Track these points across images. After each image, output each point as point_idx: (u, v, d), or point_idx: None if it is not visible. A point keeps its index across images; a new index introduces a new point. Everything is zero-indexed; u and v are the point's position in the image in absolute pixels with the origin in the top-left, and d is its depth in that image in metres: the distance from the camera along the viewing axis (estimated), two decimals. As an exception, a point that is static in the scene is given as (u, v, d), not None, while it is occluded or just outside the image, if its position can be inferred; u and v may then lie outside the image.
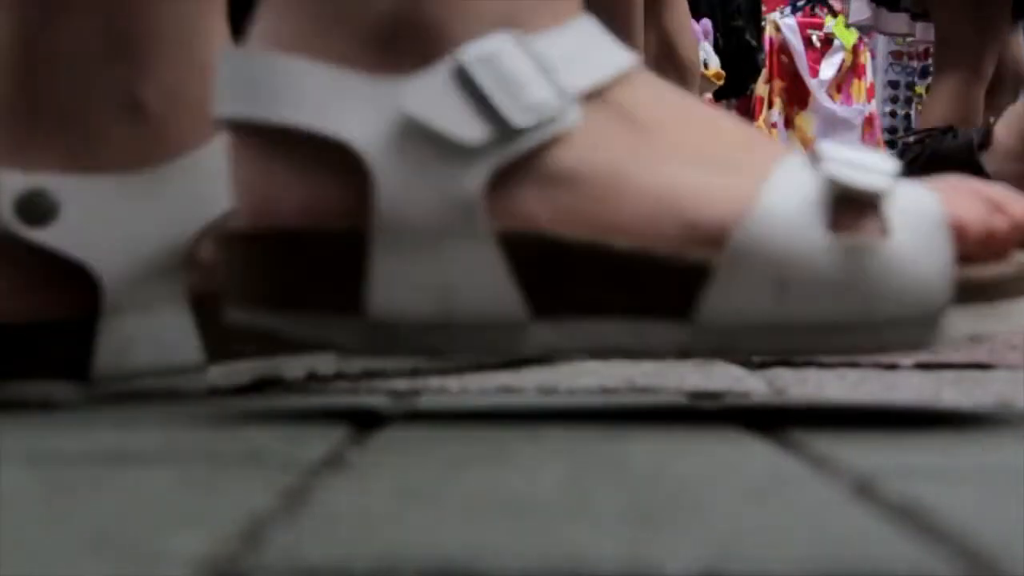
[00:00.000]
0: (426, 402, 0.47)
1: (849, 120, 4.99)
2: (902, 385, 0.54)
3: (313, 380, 0.52)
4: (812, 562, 0.22)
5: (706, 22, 4.13)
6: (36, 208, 0.47)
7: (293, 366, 0.51)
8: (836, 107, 4.98)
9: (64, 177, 0.47)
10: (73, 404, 0.47)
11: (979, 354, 0.71)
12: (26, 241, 0.47)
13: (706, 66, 4.10)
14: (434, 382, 0.52)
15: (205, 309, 0.48)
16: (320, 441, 0.36)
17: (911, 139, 1.38)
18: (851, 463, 0.33)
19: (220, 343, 0.49)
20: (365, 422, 0.39)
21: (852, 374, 0.59)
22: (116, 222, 0.47)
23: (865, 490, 0.29)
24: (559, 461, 0.34)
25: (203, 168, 0.48)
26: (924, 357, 0.66)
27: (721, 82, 3.95)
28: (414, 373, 0.53)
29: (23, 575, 0.21)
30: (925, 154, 1.34)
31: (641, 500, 0.28)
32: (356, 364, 0.52)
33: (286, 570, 0.21)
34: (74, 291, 0.47)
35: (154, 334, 0.48)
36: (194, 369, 0.49)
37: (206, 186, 0.48)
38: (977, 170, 1.31)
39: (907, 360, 0.65)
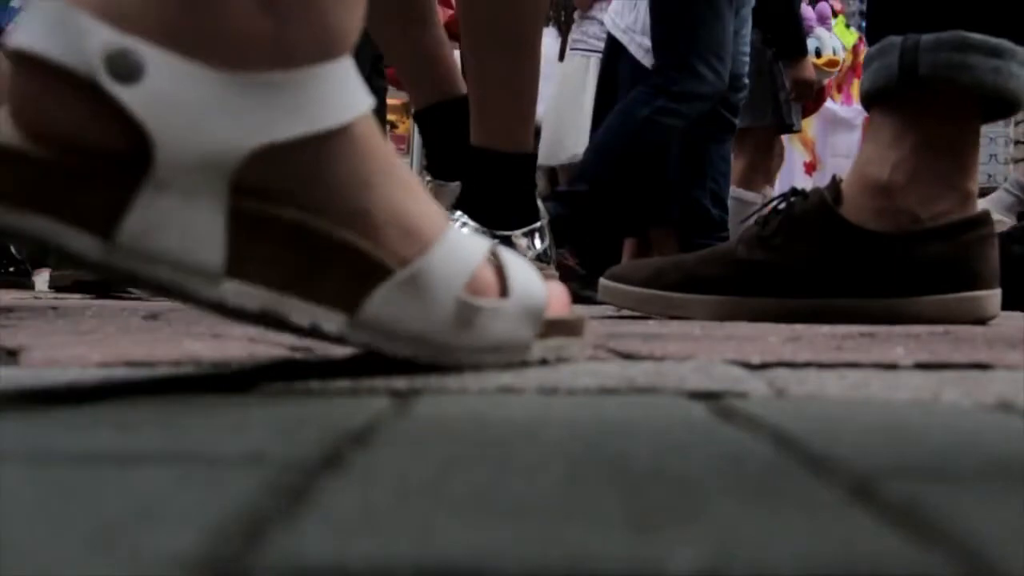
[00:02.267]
0: (426, 402, 0.47)
1: (849, 120, 5.00)
2: (902, 385, 0.54)
3: (316, 336, 0.53)
4: (812, 562, 0.22)
5: (823, 6, 4.12)
6: (121, 65, 0.48)
7: (301, 313, 0.52)
8: (836, 107, 4.98)
9: (159, 50, 0.49)
10: (83, 262, 0.48)
11: (979, 354, 0.71)
12: (103, 91, 0.48)
13: (818, 54, 4.09)
14: (434, 382, 0.52)
15: (241, 220, 0.50)
16: (320, 441, 0.36)
17: (764, 211, 1.39)
18: (851, 463, 0.33)
19: (242, 260, 0.50)
20: (365, 422, 0.39)
21: (852, 374, 0.59)
22: (191, 106, 0.49)
23: (865, 490, 0.29)
24: (559, 461, 0.34)
25: (297, 89, 0.51)
26: (924, 357, 0.66)
27: (835, 70, 3.96)
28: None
29: (23, 575, 0.21)
30: (784, 222, 1.34)
31: (641, 500, 0.28)
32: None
33: (286, 570, 0.21)
34: (130, 153, 0.48)
35: (186, 224, 0.49)
36: (211, 275, 0.49)
37: (286, 107, 0.51)
38: (839, 224, 1.31)
39: (907, 360, 0.65)
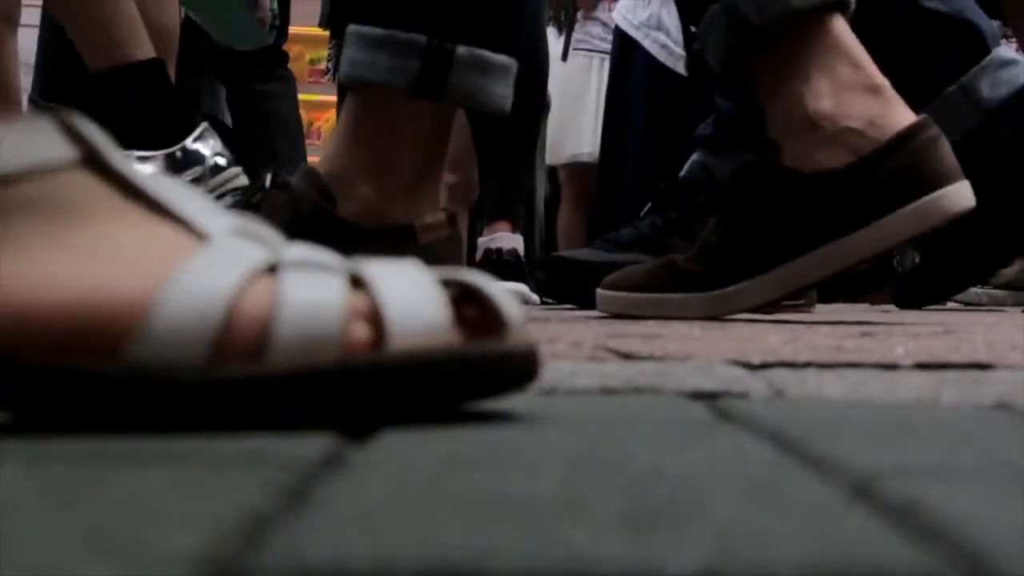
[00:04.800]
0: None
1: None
2: (902, 385, 0.54)
3: None
4: (812, 562, 0.22)
5: None
6: None
7: None
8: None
9: None
10: None
11: (979, 354, 0.71)
12: None
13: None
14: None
15: None
16: (320, 441, 0.36)
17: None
18: (851, 463, 0.33)
19: None
20: (365, 422, 0.39)
21: (852, 374, 0.59)
22: None
23: (865, 490, 0.29)
24: (559, 461, 0.34)
25: None
26: (924, 357, 0.66)
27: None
28: None
29: (23, 575, 0.21)
30: (737, 197, 1.32)
31: (641, 500, 0.28)
32: None
33: (286, 570, 0.21)
34: None
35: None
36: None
37: None
38: (790, 177, 1.28)
39: (907, 360, 0.65)
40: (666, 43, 3.15)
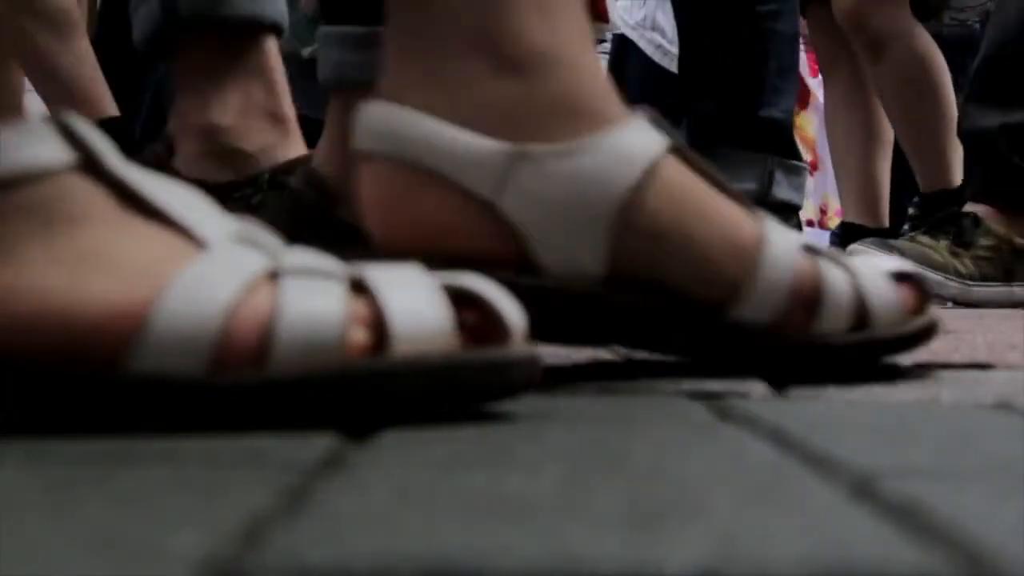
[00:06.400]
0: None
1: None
2: (902, 385, 0.54)
3: None
4: (812, 562, 0.22)
5: None
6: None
7: None
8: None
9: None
10: None
11: (979, 354, 0.71)
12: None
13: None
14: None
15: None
16: (320, 441, 0.36)
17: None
18: (851, 463, 0.33)
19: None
20: (365, 423, 0.39)
21: (852, 374, 0.59)
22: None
23: (865, 490, 0.29)
24: (559, 461, 0.34)
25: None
26: (924, 357, 0.66)
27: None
28: None
29: (23, 575, 0.21)
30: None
31: (641, 500, 0.28)
32: None
33: (286, 570, 0.21)
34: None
35: None
36: None
37: None
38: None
39: (907, 360, 0.65)
40: (661, 43, 3.15)
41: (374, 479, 0.31)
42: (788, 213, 1.60)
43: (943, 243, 1.70)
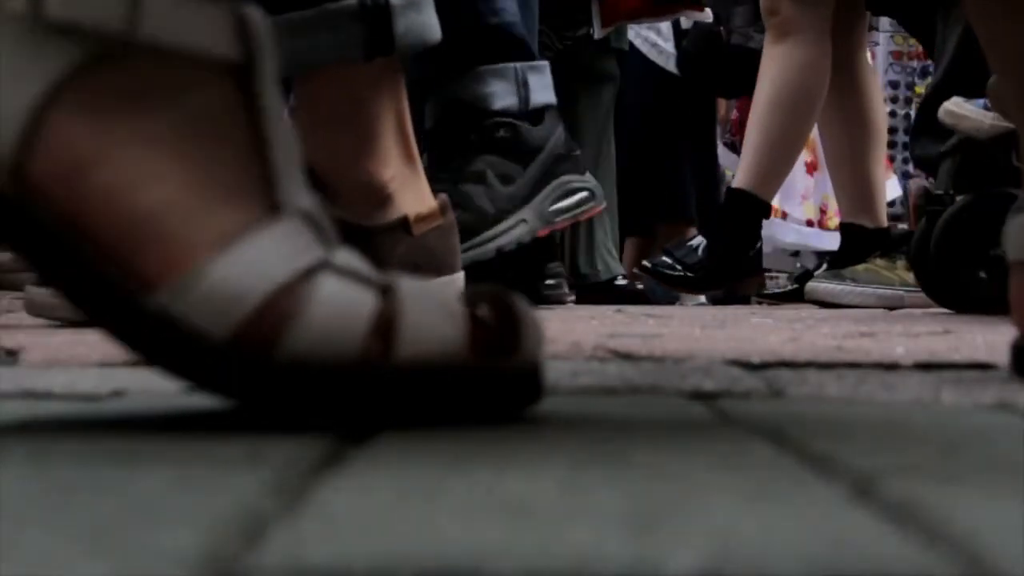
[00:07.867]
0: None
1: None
2: (902, 385, 0.54)
3: None
4: (812, 562, 0.22)
5: None
6: None
7: None
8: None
9: None
10: None
11: (979, 354, 0.71)
12: None
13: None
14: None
15: None
16: (320, 441, 0.36)
17: None
18: (851, 463, 0.33)
19: None
20: (365, 423, 0.39)
21: (852, 374, 0.59)
22: None
23: (865, 490, 0.29)
24: (559, 461, 0.34)
25: None
26: (924, 357, 0.66)
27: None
28: None
29: (23, 575, 0.21)
30: None
31: (641, 500, 0.28)
32: None
33: (286, 570, 0.21)
34: None
35: None
36: None
37: None
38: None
39: (907, 360, 0.65)
40: (656, 42, 3.15)
41: (374, 479, 0.31)
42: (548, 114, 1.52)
43: (900, 263, 1.82)
